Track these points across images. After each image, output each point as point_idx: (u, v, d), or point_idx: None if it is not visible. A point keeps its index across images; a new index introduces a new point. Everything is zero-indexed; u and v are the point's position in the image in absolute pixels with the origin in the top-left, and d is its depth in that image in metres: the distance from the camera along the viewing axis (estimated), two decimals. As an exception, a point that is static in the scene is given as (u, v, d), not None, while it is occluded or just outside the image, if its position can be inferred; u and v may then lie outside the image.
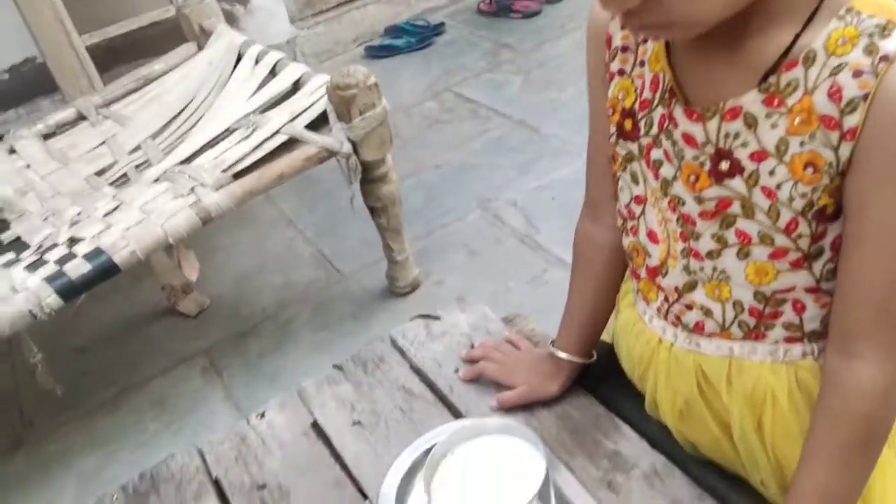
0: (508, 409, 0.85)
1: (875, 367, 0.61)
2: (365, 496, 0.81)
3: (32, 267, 1.55)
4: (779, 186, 0.61)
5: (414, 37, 3.39)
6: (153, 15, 2.93)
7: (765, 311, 0.68)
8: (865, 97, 0.56)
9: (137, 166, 1.99)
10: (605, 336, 0.92)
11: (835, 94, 0.57)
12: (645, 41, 0.69)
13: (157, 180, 1.71)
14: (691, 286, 0.71)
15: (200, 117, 2.06)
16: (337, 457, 0.86)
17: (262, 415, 0.93)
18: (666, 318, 0.75)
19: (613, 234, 0.81)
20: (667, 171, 0.68)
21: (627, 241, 0.77)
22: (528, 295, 1.94)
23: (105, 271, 1.50)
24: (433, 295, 2.04)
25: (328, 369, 0.98)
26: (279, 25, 3.37)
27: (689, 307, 0.72)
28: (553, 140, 2.52)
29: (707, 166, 0.65)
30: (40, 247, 1.65)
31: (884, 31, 0.55)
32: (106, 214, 1.64)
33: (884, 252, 0.59)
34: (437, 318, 1.01)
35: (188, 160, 1.75)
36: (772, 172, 0.61)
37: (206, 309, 2.22)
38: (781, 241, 0.64)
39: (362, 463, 0.84)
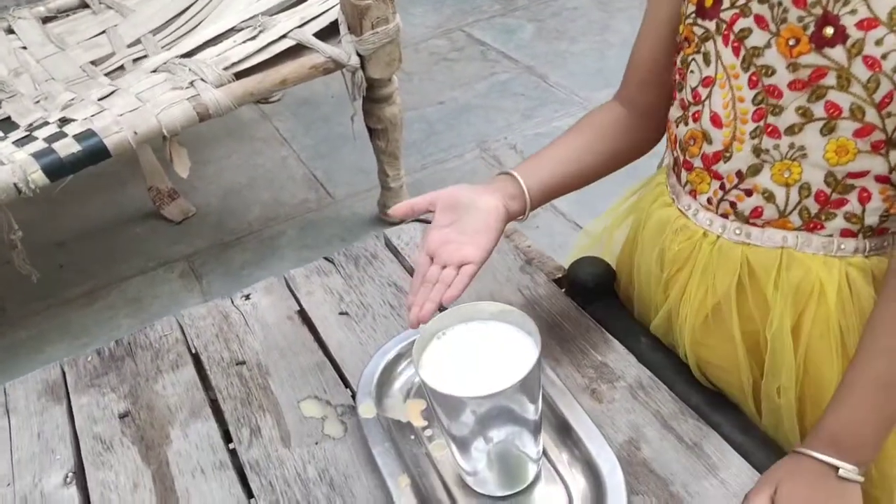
0: (421, 207, 0.76)
1: None
2: (346, 384, 0.80)
3: (20, 143, 1.51)
4: (885, 56, 0.60)
5: (430, -28, 3.30)
6: (165, -87, 2.82)
7: (831, 196, 0.67)
8: None
9: (135, 60, 1.93)
10: (606, 256, 0.90)
11: None
12: None
13: (155, 70, 1.66)
14: (756, 169, 0.70)
15: (205, 18, 2.00)
16: (320, 342, 0.85)
17: (248, 296, 0.92)
18: (717, 209, 0.74)
19: (641, 132, 0.80)
20: (757, 38, 0.66)
21: (686, 129, 0.75)
22: (519, 236, 1.93)
23: (95, 154, 1.47)
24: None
25: (318, 260, 0.96)
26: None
27: (749, 193, 0.71)
28: (559, 90, 2.49)
29: (811, 29, 0.63)
30: (30, 125, 1.61)
31: None
32: (101, 99, 1.59)
33: None
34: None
35: (189, 54, 1.70)
36: (879, 42, 0.60)
37: (190, 217, 2.19)
38: (871, 115, 0.62)
39: (345, 350, 0.83)
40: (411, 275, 0.91)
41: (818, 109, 0.64)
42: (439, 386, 0.60)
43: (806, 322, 0.70)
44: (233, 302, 0.91)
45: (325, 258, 0.96)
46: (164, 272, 2.00)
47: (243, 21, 1.75)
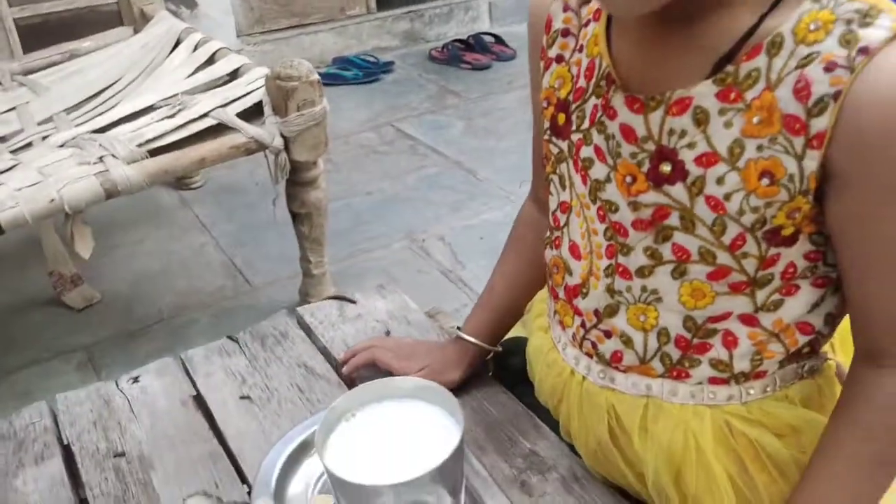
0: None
1: None
2: (242, 478, 0.69)
3: None
4: (727, 197, 0.54)
5: (362, 70, 3.36)
6: (93, -2, 2.80)
7: (693, 341, 0.61)
8: (836, 96, 0.48)
9: (44, 138, 1.83)
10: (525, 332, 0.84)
11: (802, 90, 0.49)
12: (586, 24, 0.62)
13: (63, 145, 1.57)
14: (612, 310, 0.63)
15: (124, 98, 1.94)
16: (216, 430, 0.75)
17: (136, 379, 0.81)
18: (581, 346, 0.67)
19: None
20: (598, 171, 0.60)
21: (550, 254, 0.70)
22: (446, 328, 1.87)
23: (-16, 228, 1.34)
24: (346, 317, 1.94)
25: (220, 339, 0.87)
26: (225, 36, 3.27)
27: (608, 334, 0.64)
28: (488, 184, 2.50)
29: (645, 166, 0.57)
30: (-85, 198, 1.47)
31: (865, 17, 0.49)
32: (-1, 172, 1.48)
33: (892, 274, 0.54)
34: (352, 301, 0.92)
35: (102, 130, 1.62)
36: (720, 180, 0.54)
37: (94, 304, 2.04)
38: (724, 258, 0.56)
39: (245, 439, 0.73)
40: (324, 355, 0.83)
41: (666, 251, 0.58)
42: (345, 474, 0.51)
43: (688, 476, 0.62)
44: (118, 385, 0.81)
45: (229, 337, 0.87)
46: (59, 363, 1.83)
47: (162, 99, 1.69)
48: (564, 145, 0.63)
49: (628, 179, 0.58)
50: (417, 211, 2.39)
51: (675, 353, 0.61)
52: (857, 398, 0.58)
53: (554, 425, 0.74)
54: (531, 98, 0.72)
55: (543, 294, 0.77)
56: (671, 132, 0.55)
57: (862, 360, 0.59)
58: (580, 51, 0.62)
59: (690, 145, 0.54)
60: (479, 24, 3.82)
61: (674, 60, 0.55)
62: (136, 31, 2.25)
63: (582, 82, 0.61)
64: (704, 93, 0.53)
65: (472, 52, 3.47)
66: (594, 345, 0.65)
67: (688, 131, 0.54)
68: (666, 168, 0.56)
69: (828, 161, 0.51)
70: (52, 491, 0.68)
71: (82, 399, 0.79)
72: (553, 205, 0.67)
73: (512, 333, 0.85)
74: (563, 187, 0.65)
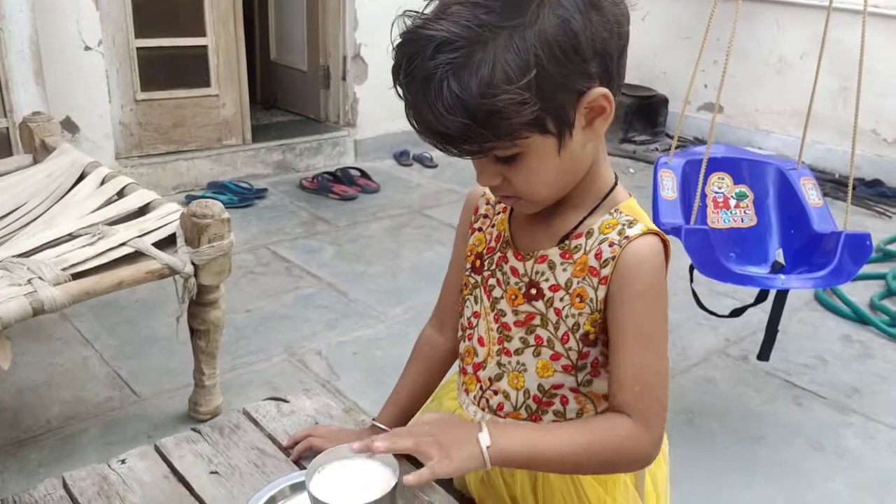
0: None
1: (633, 421, 0.90)
2: (223, 530, 0.95)
3: None
4: (563, 308, 0.94)
5: (236, 196, 3.65)
6: (-20, 122, 2.94)
7: (542, 399, 0.98)
8: (614, 258, 0.90)
9: (-51, 256, 1.96)
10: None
11: (599, 255, 0.93)
12: (497, 214, 1.04)
13: (-11, 267, 1.73)
14: (499, 377, 1.01)
15: (30, 222, 2.11)
16: (197, 497, 0.99)
17: (123, 461, 1.04)
18: (479, 404, 1.04)
19: (451, 343, 1.11)
20: (497, 292, 1.00)
21: (464, 345, 1.06)
22: (326, 432, 2.12)
23: (-79, 342, 1.48)
24: (234, 424, 2.14)
25: (186, 431, 1.12)
26: (103, 159, 3.45)
27: (496, 392, 1.01)
28: (359, 304, 2.83)
29: (523, 290, 0.97)
30: None
31: (631, 223, 0.93)
32: (-73, 290, 1.62)
33: (626, 352, 0.91)
34: (286, 400, 1.20)
35: (27, 255, 1.80)
36: (561, 299, 0.95)
37: (-22, 415, 2.11)
38: (558, 347, 0.96)
39: (221, 503, 0.98)
40: (271, 440, 1.11)
41: (531, 339, 0.96)
42: (328, 499, 0.81)
43: (539, 487, 1.00)
44: (109, 465, 1.03)
45: (192, 429, 1.12)
46: (-53, 473, 1.88)
47: (82, 228, 1.90)
48: (479, 278, 1.03)
49: (513, 297, 0.98)
50: (295, 328, 2.66)
51: (533, 406, 0.99)
52: (603, 416, 0.95)
53: (445, 484, 1.07)
54: (453, 256, 1.11)
55: (447, 380, 1.12)
56: (537, 272, 0.96)
57: (611, 410, 0.95)
58: (493, 226, 1.04)
59: (546, 279, 0.95)
60: (345, 158, 4.26)
61: (540, 234, 0.97)
62: (35, 160, 2.43)
63: (492, 243, 1.02)
64: (554, 253, 0.95)
65: (340, 183, 3.88)
66: (487, 401, 1.02)
67: (545, 272, 0.95)
68: (533, 291, 0.96)
69: (608, 292, 0.92)
70: (74, 544, 0.90)
71: (84, 476, 1.00)
72: (468, 313, 1.05)
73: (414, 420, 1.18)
74: (476, 302, 1.03)
